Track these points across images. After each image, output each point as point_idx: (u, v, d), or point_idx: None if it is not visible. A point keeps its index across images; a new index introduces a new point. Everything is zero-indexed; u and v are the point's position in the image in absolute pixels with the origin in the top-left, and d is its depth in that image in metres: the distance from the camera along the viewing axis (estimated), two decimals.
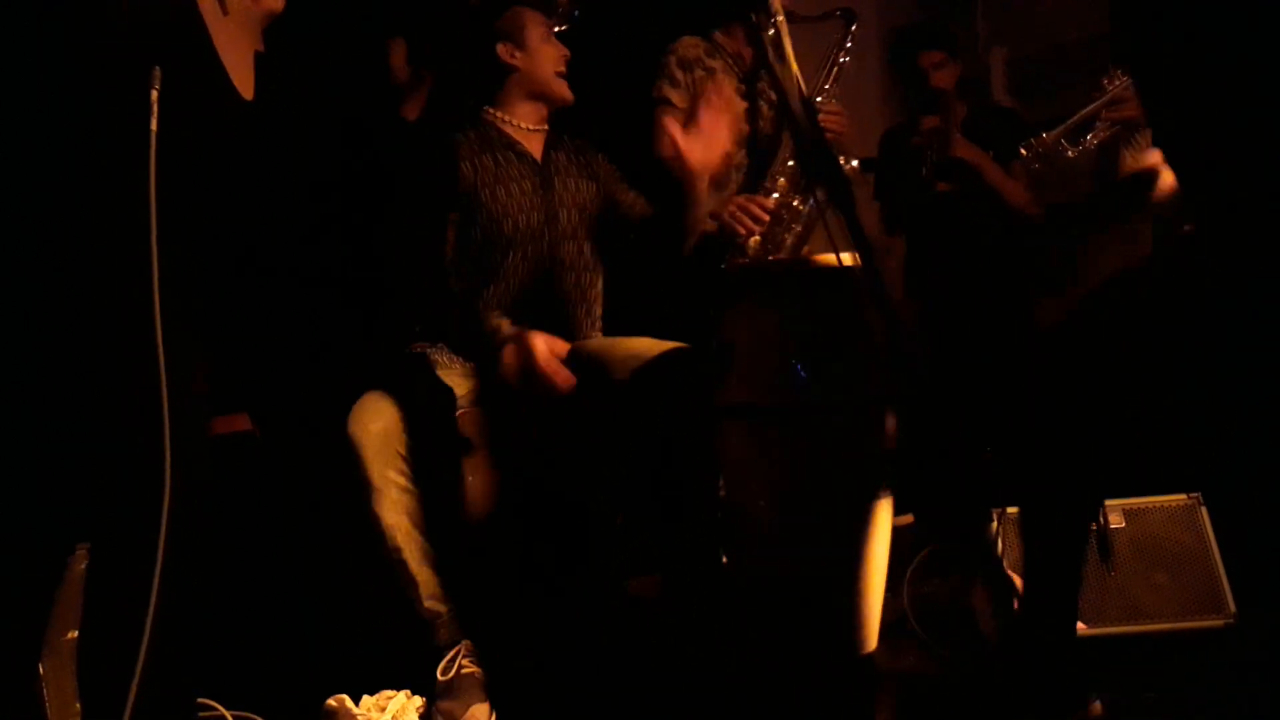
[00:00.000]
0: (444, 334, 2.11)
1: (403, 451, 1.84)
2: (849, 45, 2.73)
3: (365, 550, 1.87)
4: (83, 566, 1.18)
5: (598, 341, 2.19)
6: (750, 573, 2.03)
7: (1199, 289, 1.48)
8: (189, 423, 1.02)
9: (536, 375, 1.91)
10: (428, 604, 1.83)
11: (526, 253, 2.16)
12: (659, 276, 2.54)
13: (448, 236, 2.13)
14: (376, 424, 1.84)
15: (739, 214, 2.25)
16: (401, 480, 1.83)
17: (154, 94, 0.95)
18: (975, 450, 2.28)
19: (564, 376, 1.91)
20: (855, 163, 2.29)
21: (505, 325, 2.00)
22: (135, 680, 0.95)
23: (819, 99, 2.48)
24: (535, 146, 2.26)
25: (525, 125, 2.26)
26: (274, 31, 1.35)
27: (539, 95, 2.24)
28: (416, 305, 2.17)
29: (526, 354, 1.92)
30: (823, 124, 2.53)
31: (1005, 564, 1.98)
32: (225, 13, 1.13)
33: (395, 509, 1.82)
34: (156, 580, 0.94)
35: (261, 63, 1.28)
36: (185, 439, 0.99)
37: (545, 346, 1.93)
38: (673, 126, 2.08)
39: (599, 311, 2.29)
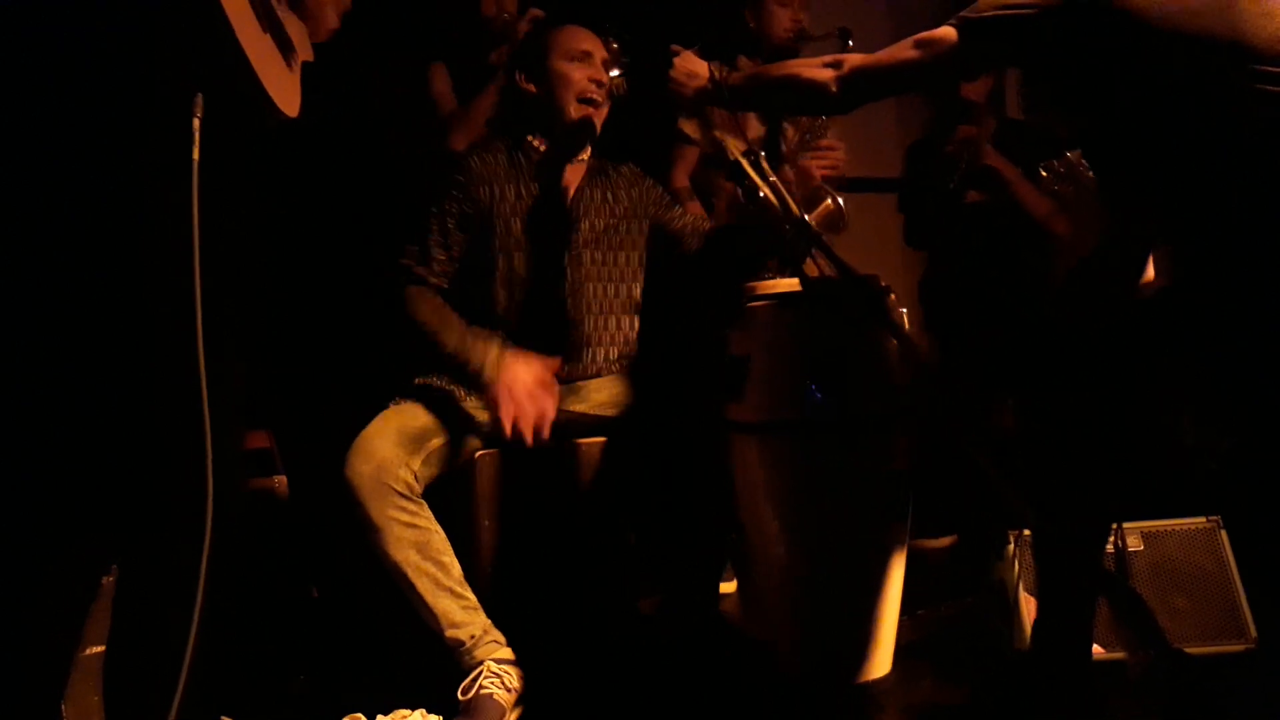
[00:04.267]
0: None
1: (399, 488, 1.80)
2: None
3: (379, 568, 1.86)
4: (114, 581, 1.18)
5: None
6: (761, 592, 2.03)
7: (1209, 312, 1.49)
8: (229, 444, 1.03)
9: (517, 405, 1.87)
10: (450, 634, 1.81)
11: (550, 292, 2.09)
12: (672, 294, 2.54)
13: (443, 241, 2.05)
14: (368, 465, 1.79)
15: None
16: (403, 516, 1.80)
17: (196, 122, 0.95)
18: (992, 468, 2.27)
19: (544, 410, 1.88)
20: (840, 200, 2.27)
21: (493, 355, 1.92)
22: (178, 697, 0.95)
23: (808, 135, 2.48)
24: (571, 179, 2.15)
25: (559, 156, 2.14)
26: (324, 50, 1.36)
27: (563, 125, 2.10)
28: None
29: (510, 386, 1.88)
30: (817, 166, 2.54)
31: (1021, 586, 1.97)
32: (266, 30, 1.12)
33: (400, 545, 1.79)
34: (200, 595, 0.94)
35: (310, 75, 1.28)
36: (226, 459, 0.99)
37: (529, 377, 1.90)
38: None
39: (617, 354, 2.20)
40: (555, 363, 1.96)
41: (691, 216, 2.33)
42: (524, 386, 1.88)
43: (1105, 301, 1.82)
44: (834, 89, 1.65)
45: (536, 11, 2.53)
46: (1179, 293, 1.56)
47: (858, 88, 1.66)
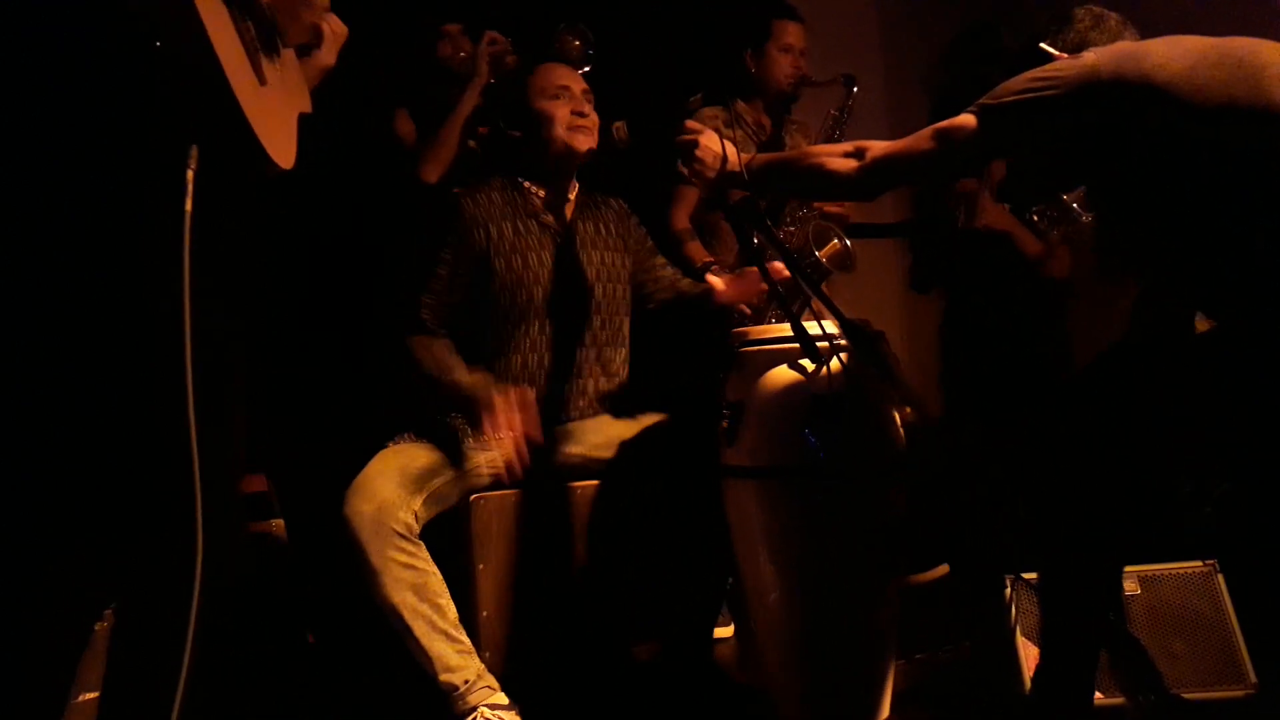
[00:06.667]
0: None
1: (399, 529, 1.81)
2: (849, 108, 2.80)
3: (375, 610, 1.86)
4: (108, 628, 1.18)
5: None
6: (757, 637, 2.02)
7: (1203, 357, 1.50)
8: (223, 489, 1.04)
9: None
10: (444, 678, 1.80)
11: (545, 326, 2.13)
12: (670, 338, 2.56)
13: (438, 275, 2.09)
14: (368, 505, 1.80)
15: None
16: (401, 557, 1.80)
17: (189, 174, 0.97)
18: (995, 512, 2.27)
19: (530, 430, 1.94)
20: (848, 241, 2.30)
21: (480, 385, 1.99)
22: None
23: None
24: (565, 213, 2.21)
25: (551, 195, 2.20)
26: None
27: (552, 162, 2.16)
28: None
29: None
30: (825, 208, 2.56)
31: (1019, 631, 1.96)
32: (263, 83, 1.14)
33: (398, 587, 1.79)
34: (189, 642, 0.94)
35: (307, 125, 1.31)
36: (219, 505, 1.01)
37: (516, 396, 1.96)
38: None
39: (608, 388, 2.24)
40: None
41: (672, 270, 2.36)
42: (510, 402, 1.94)
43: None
44: (856, 179, 1.68)
45: (495, 34, 2.56)
46: (1207, 344, 1.58)
47: (879, 178, 1.69)
